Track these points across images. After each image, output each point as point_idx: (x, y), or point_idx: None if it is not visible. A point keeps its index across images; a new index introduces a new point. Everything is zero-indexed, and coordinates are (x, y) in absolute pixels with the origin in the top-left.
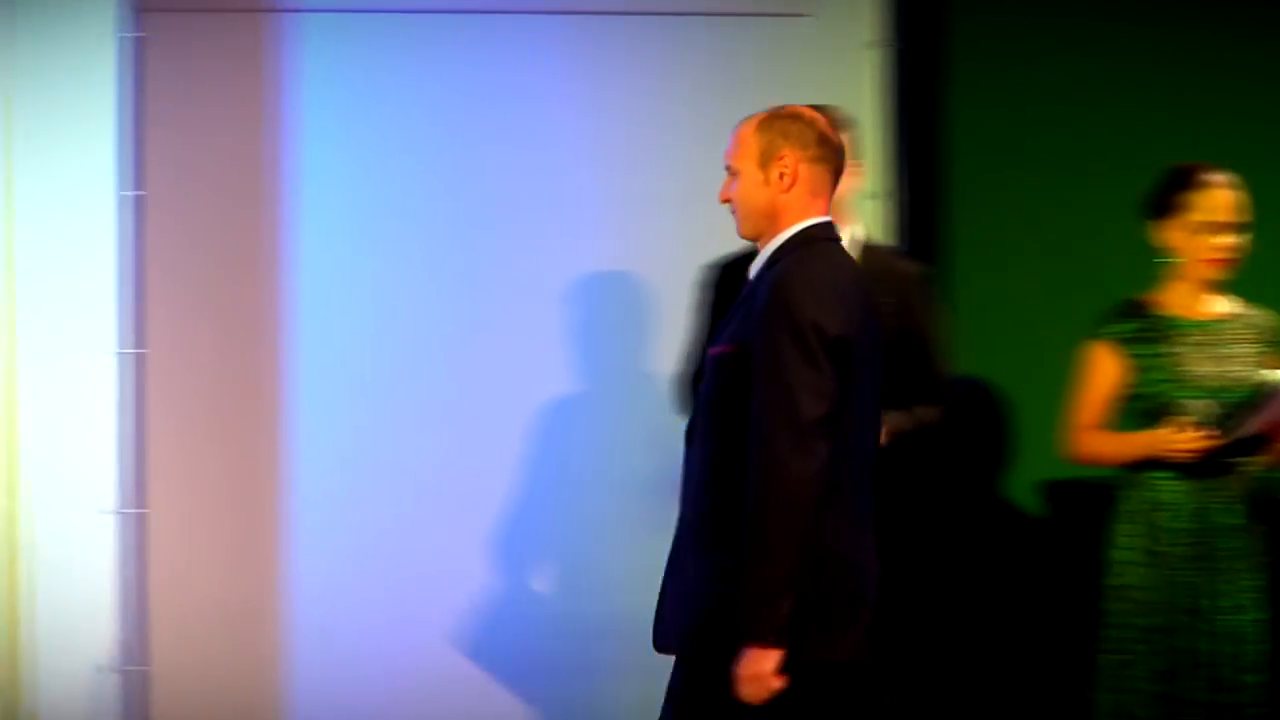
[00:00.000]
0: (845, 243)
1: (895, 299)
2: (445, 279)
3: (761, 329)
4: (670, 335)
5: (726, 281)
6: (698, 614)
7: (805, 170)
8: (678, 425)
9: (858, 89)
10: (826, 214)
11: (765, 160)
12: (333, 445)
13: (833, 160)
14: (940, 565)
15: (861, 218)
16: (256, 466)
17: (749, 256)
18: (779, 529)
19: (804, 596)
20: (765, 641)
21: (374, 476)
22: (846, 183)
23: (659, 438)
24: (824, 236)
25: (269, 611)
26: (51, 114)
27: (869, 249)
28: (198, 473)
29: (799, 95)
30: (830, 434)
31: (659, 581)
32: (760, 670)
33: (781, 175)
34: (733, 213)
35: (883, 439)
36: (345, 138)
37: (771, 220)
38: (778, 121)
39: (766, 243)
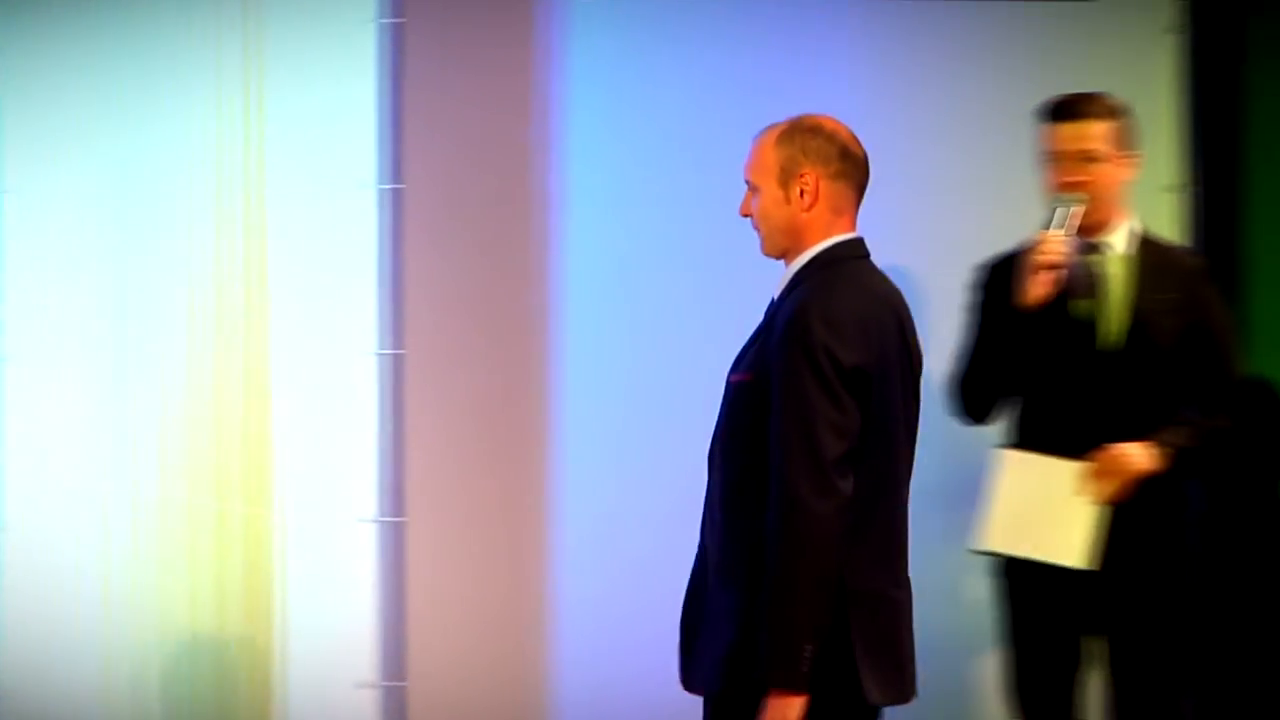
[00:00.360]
0: (1122, 237)
1: (1178, 295)
2: (720, 274)
3: (779, 359)
4: (950, 332)
5: (997, 282)
6: (723, 651)
7: (826, 187)
8: (956, 428)
9: (1152, 77)
10: (852, 230)
11: (785, 177)
12: (602, 450)
13: (855, 175)
14: (1235, 578)
15: (1139, 211)
16: (521, 472)
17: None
18: (800, 571)
19: (835, 639)
20: (788, 687)
21: (645, 482)
22: (1118, 174)
23: (946, 440)
24: (850, 255)
25: (534, 625)
26: (305, 105)
27: (1147, 243)
28: (459, 479)
29: (1092, 82)
30: (852, 470)
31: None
32: (784, 717)
33: (802, 193)
34: (755, 229)
35: (1160, 460)
36: (614, 125)
37: (794, 239)
38: (797, 136)
39: (791, 261)
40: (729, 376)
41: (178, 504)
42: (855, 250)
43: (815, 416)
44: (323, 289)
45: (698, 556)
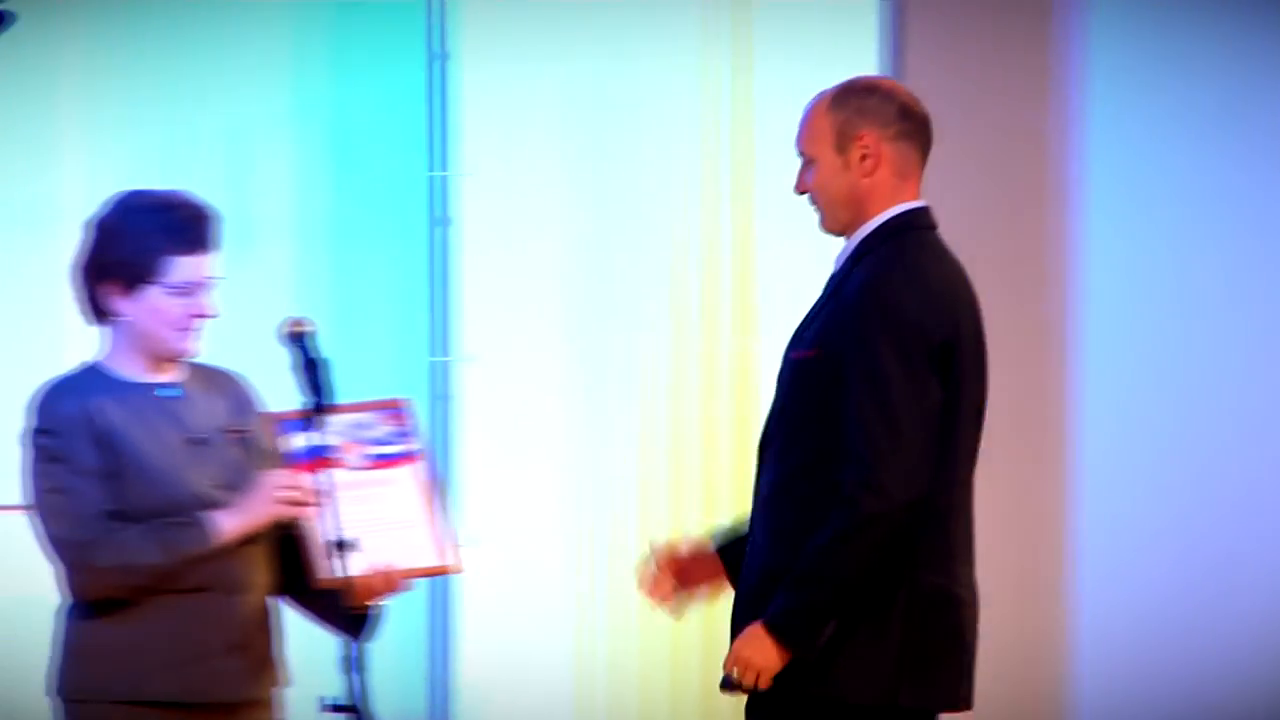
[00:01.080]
0: None
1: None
2: (1246, 271)
3: (856, 332)
4: None
5: None
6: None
7: (889, 150)
8: None
9: None
10: (918, 197)
11: (843, 142)
12: (1126, 463)
13: (919, 136)
14: None
15: None
16: (1040, 486)
17: None
18: (863, 553)
19: (900, 638)
20: (794, 648)
21: (1176, 495)
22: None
23: None
24: (920, 225)
25: (1056, 644)
26: (797, 81)
27: None
28: None
29: None
30: (932, 456)
31: None
32: (761, 662)
33: (863, 158)
34: (813, 205)
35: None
36: (1138, 113)
37: (857, 209)
38: (852, 97)
39: (853, 233)
40: (788, 353)
41: (659, 518)
42: (925, 220)
43: (899, 396)
44: (811, 278)
45: (747, 555)
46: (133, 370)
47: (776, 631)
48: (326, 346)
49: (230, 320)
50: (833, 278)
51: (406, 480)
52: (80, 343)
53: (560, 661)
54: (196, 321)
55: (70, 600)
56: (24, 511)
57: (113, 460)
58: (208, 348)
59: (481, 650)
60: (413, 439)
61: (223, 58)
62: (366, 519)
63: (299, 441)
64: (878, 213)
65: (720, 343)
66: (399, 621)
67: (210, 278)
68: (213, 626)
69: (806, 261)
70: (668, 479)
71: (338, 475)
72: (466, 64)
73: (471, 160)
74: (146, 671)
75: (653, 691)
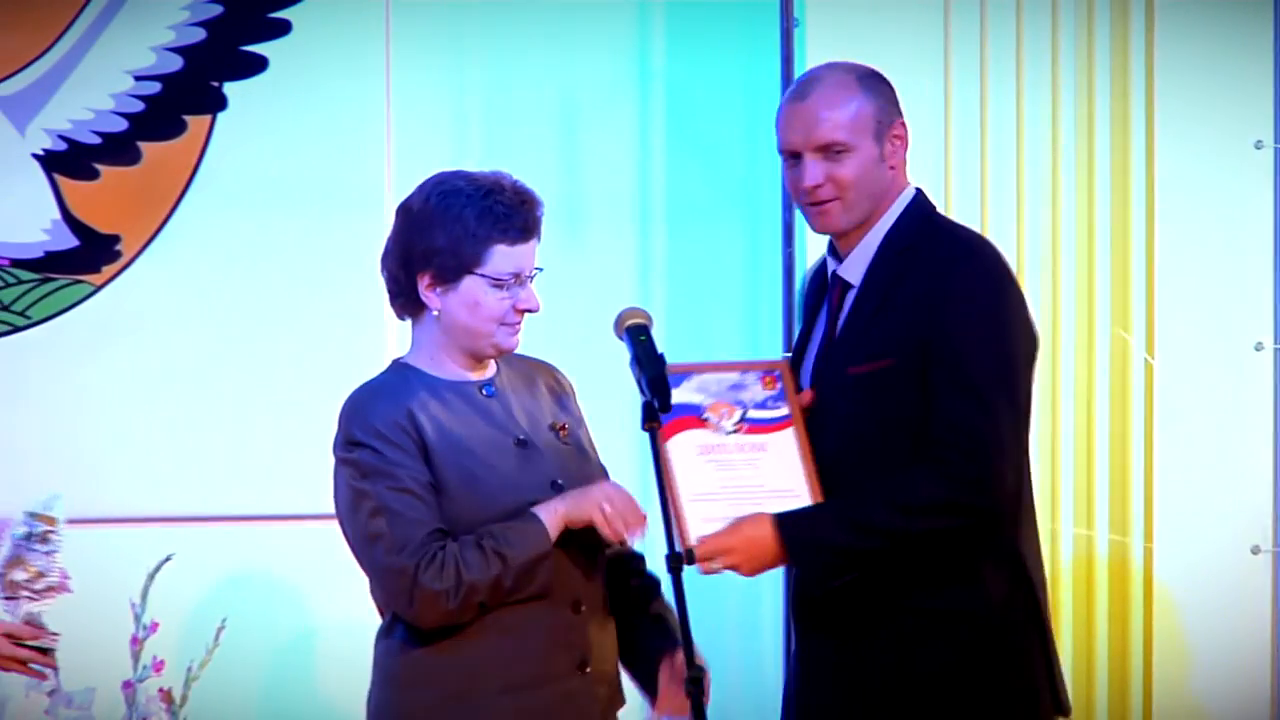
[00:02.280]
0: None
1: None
2: None
3: (965, 327)
4: None
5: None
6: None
7: (908, 137)
8: None
9: None
10: None
11: (881, 131)
12: None
13: None
14: None
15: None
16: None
17: None
18: (937, 539)
19: (1030, 633)
20: (808, 582)
21: None
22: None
23: None
24: (933, 208)
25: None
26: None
27: None
28: None
29: None
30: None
31: None
32: (751, 568)
33: (895, 147)
34: (826, 199)
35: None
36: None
37: (879, 201)
38: (880, 85)
39: (868, 227)
40: (848, 368)
41: None
42: (930, 203)
43: (1019, 392)
44: (1207, 268)
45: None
46: (449, 369)
47: (796, 555)
48: (664, 341)
49: (561, 312)
50: (871, 274)
51: (784, 447)
52: (399, 339)
53: None
54: (518, 315)
55: (389, 619)
56: (332, 527)
57: (442, 470)
58: (534, 342)
59: None
60: (787, 404)
61: (560, 32)
62: (737, 486)
63: (673, 398)
64: (893, 201)
65: (1096, 337)
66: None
67: (533, 268)
68: (557, 643)
69: (1200, 245)
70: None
71: (705, 438)
72: (813, 32)
73: None
74: (486, 698)
75: None
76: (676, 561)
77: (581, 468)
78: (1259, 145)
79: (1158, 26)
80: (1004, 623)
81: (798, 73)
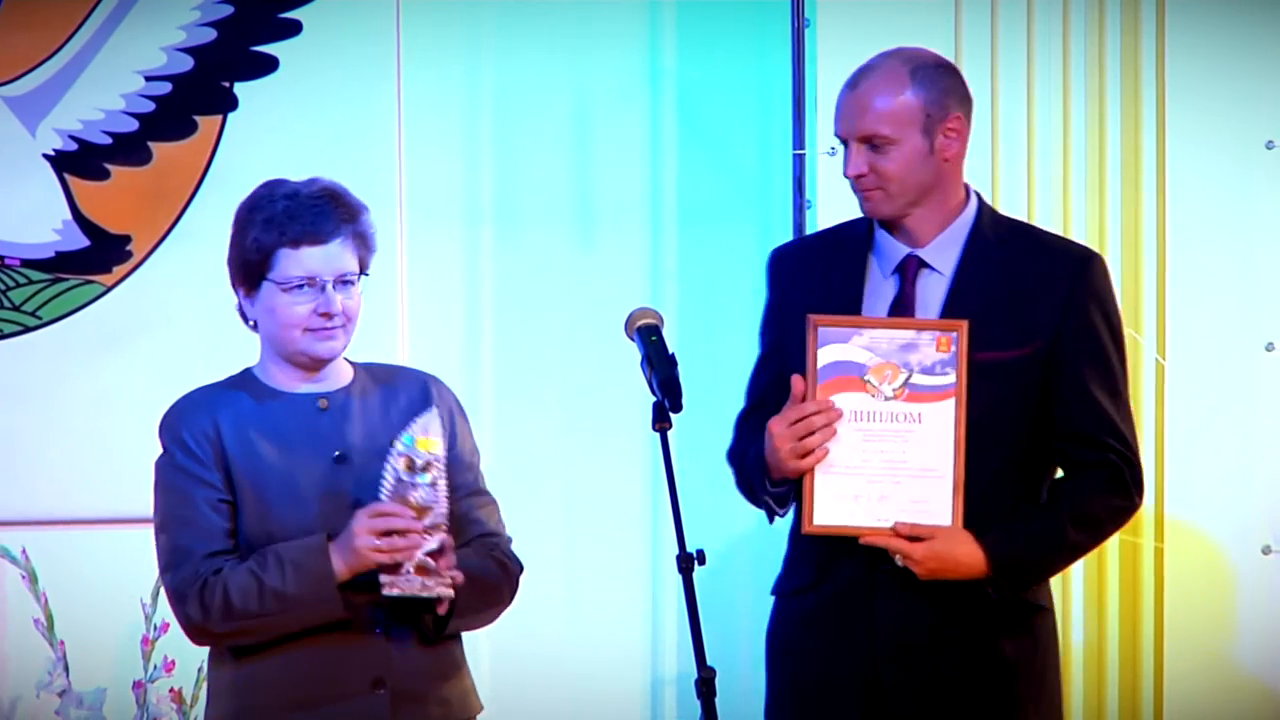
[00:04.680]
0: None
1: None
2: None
3: (1088, 324)
4: None
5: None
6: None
7: (967, 131)
8: None
9: None
10: None
11: (931, 125)
12: None
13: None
14: None
15: None
16: None
17: None
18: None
19: None
20: (1004, 579)
21: None
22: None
23: None
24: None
25: None
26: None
27: None
28: None
29: None
30: None
31: None
32: (957, 574)
33: (950, 140)
34: (869, 188)
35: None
36: None
37: (929, 193)
38: (936, 76)
39: (938, 217)
40: (976, 355)
41: None
42: None
43: (1127, 394)
44: (1218, 268)
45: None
46: (280, 379)
47: (1004, 578)
48: (675, 341)
49: (572, 312)
50: (980, 269)
51: (940, 420)
52: (410, 337)
53: None
54: (325, 319)
55: None
56: None
57: (239, 484)
58: (546, 342)
59: None
60: (955, 371)
61: (572, 32)
62: (879, 461)
63: (832, 354)
64: (957, 195)
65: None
66: None
67: (338, 272)
68: (352, 662)
69: (1211, 246)
70: None
71: (860, 402)
72: (823, 33)
73: (828, 138)
74: (274, 714)
75: None
76: (687, 562)
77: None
78: (1270, 145)
79: (1169, 26)
80: (1055, 619)
81: (809, 73)
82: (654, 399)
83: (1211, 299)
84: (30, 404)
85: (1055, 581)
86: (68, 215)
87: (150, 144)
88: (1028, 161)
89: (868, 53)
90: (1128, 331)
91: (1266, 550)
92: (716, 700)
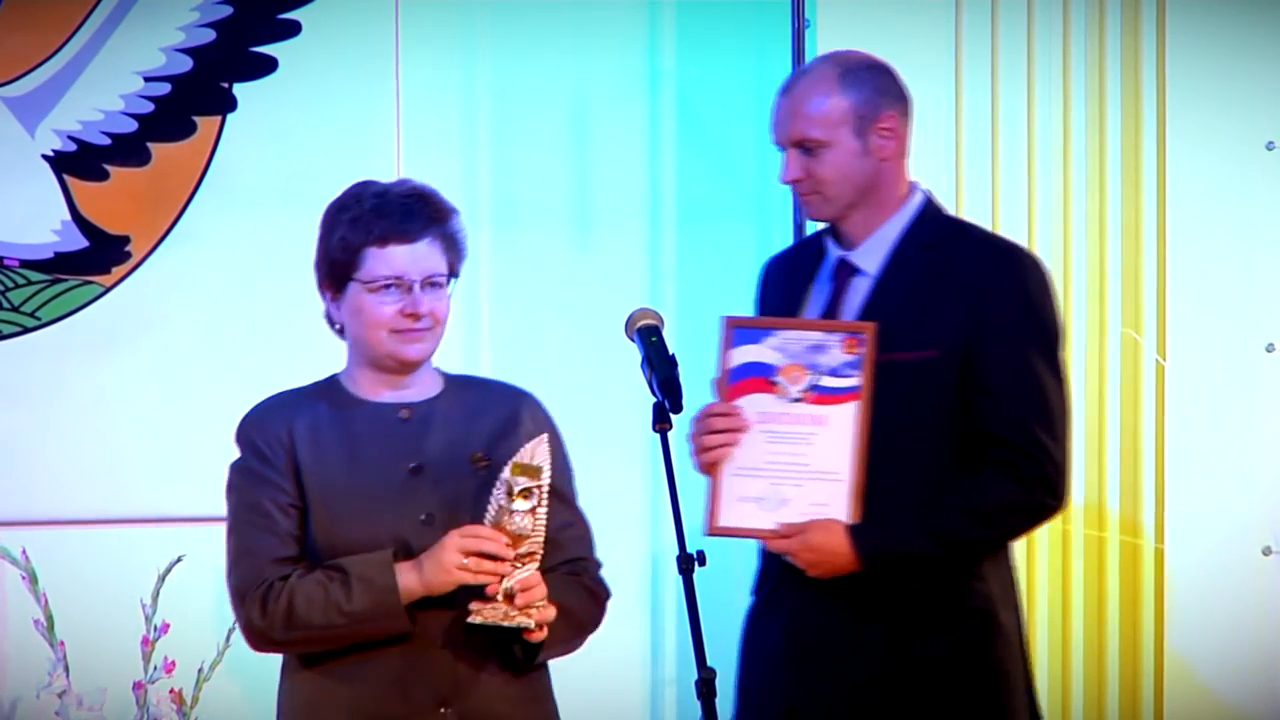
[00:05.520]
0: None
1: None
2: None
3: (1001, 331)
4: None
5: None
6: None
7: (904, 130)
8: None
9: None
10: None
11: (863, 125)
12: None
13: (912, 112)
14: None
15: None
16: None
17: None
18: (1008, 539)
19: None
20: (874, 567)
21: None
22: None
23: None
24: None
25: None
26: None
27: None
28: None
29: None
30: None
31: None
32: (823, 571)
33: (885, 140)
34: (807, 192)
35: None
36: None
37: (867, 194)
38: (866, 76)
39: (871, 221)
40: (882, 358)
41: (1046, 530)
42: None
43: (1065, 389)
44: (1218, 269)
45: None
46: (365, 386)
47: (872, 566)
48: (675, 342)
49: (572, 313)
50: (905, 270)
51: (843, 422)
52: None
53: None
54: (411, 321)
55: None
56: None
57: (309, 493)
58: (547, 343)
59: None
60: (861, 373)
61: (571, 33)
62: (783, 462)
63: (745, 355)
64: (894, 196)
65: (1107, 337)
66: None
67: (425, 273)
68: (415, 680)
69: (1211, 246)
70: None
71: (768, 404)
72: (823, 33)
73: None
74: None
75: None
76: (688, 563)
77: (477, 502)
78: (1270, 146)
79: (1169, 27)
80: (1000, 622)
81: None
82: (654, 400)
83: (1212, 300)
84: (30, 404)
85: (1056, 581)
86: (67, 216)
87: (149, 145)
88: (1028, 162)
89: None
90: (1128, 331)
91: (1266, 551)
92: (716, 700)
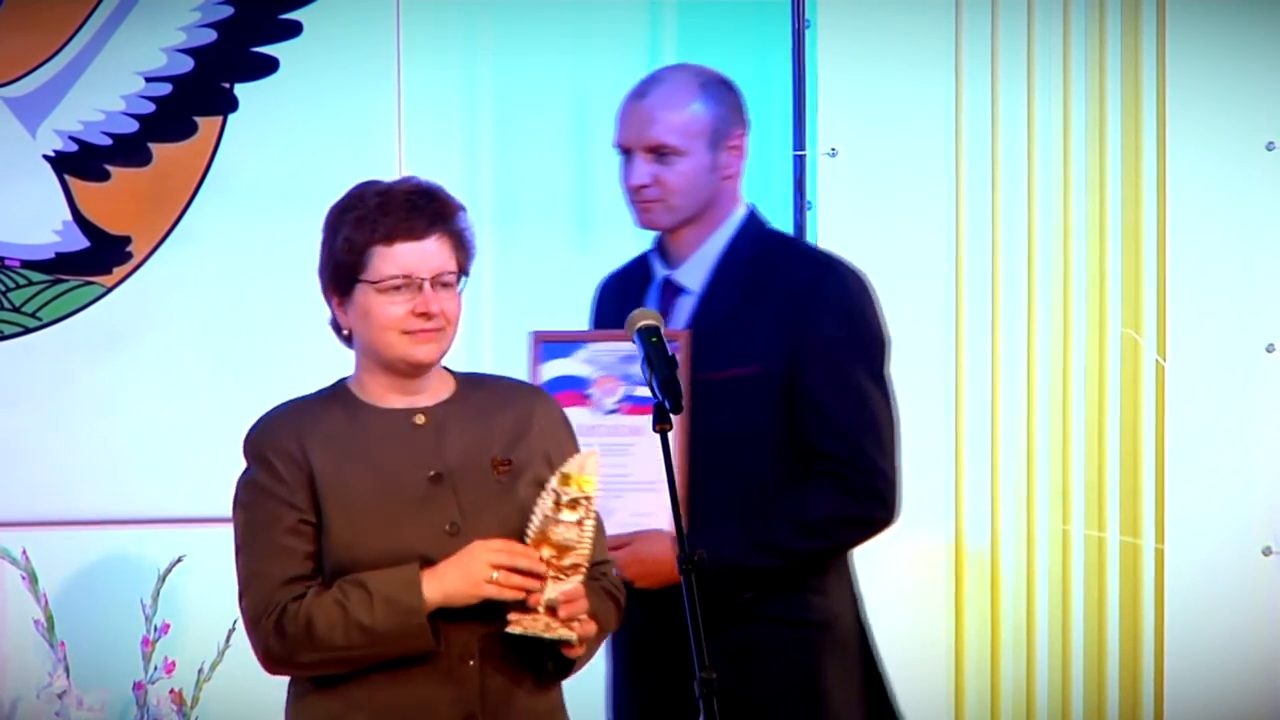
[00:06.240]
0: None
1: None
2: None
3: (823, 345)
4: None
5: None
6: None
7: (746, 148)
8: None
9: None
10: None
11: (717, 140)
12: None
13: None
14: None
15: None
16: None
17: None
18: (839, 553)
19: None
20: (714, 599)
21: None
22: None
23: None
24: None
25: None
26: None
27: None
28: None
29: None
30: None
31: None
32: (646, 583)
33: (733, 156)
34: (649, 199)
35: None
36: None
37: (707, 208)
38: (722, 92)
39: (692, 233)
40: (700, 374)
41: (1050, 526)
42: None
43: (891, 399)
44: (1218, 269)
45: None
46: (375, 391)
47: (703, 574)
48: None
49: (571, 313)
50: (727, 286)
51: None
52: None
53: (934, 688)
54: (422, 320)
55: None
56: None
57: (325, 505)
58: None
59: None
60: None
61: (572, 33)
62: (603, 474)
63: (556, 369)
64: (724, 214)
65: (1107, 338)
66: None
67: (434, 270)
68: (441, 695)
69: (1211, 247)
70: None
71: (583, 417)
72: (824, 34)
73: (828, 139)
74: None
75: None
76: (688, 564)
77: (500, 508)
78: (1270, 146)
79: (1169, 27)
80: (846, 634)
81: (810, 73)
82: (654, 400)
83: (1212, 300)
84: (30, 405)
85: (1056, 581)
86: (68, 216)
87: (150, 145)
88: (1028, 162)
89: (868, 53)
90: (1128, 331)
91: (1267, 551)
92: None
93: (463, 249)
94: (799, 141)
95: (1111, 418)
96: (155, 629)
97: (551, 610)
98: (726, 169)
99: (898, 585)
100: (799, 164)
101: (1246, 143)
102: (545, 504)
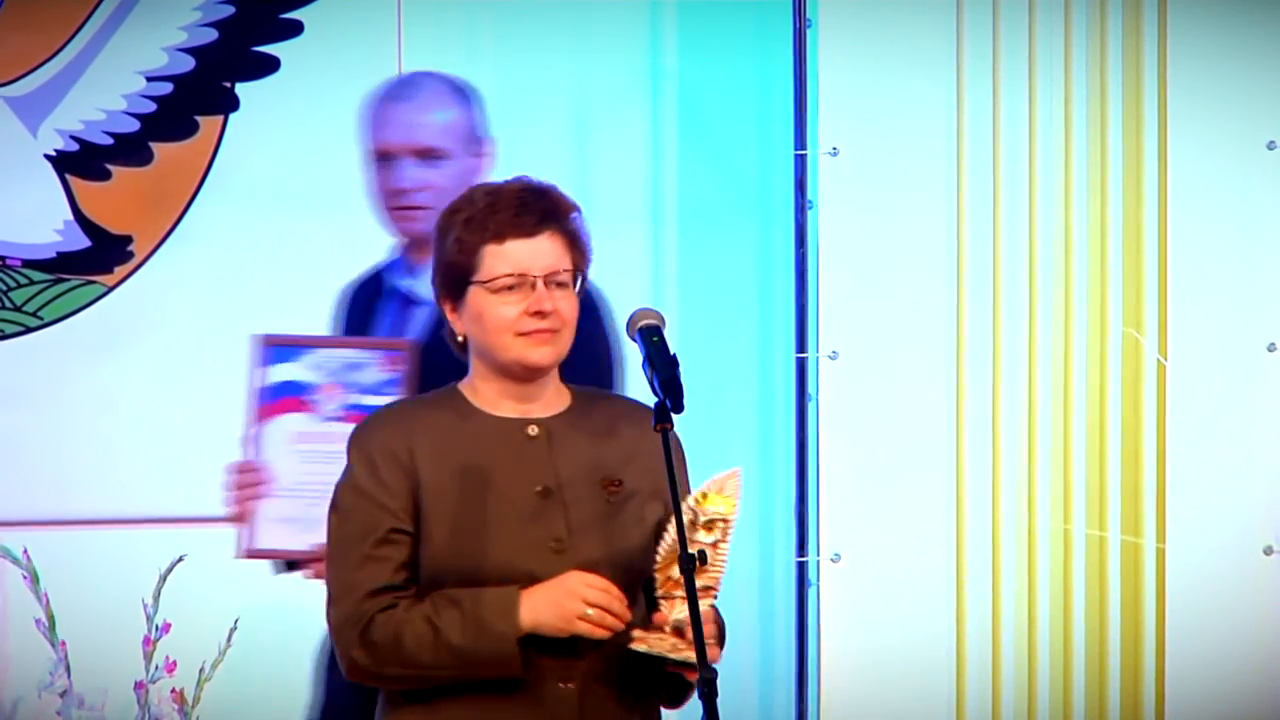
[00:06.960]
0: None
1: None
2: None
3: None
4: None
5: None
6: None
7: None
8: None
9: None
10: None
11: (473, 146)
12: None
13: None
14: None
15: None
16: None
17: None
18: None
19: None
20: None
21: None
22: None
23: None
24: None
25: None
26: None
27: None
28: None
29: None
30: None
31: None
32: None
33: (482, 166)
34: (426, 205)
35: None
36: None
37: None
38: (476, 98)
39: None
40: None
41: (1043, 525)
42: None
43: None
44: (1220, 268)
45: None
46: (493, 397)
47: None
48: (677, 342)
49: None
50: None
51: None
52: None
53: (935, 688)
54: (537, 320)
55: None
56: None
57: (429, 513)
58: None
59: (844, 675)
60: (400, 392)
61: (573, 33)
62: (319, 483)
63: (282, 373)
64: None
65: (1108, 337)
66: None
67: (549, 268)
68: (535, 716)
69: (1211, 248)
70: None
71: (302, 423)
72: (825, 33)
73: (830, 138)
74: None
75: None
76: (689, 563)
77: (607, 528)
78: (1271, 146)
79: (1170, 27)
80: None
81: (811, 73)
82: (655, 399)
83: (1212, 299)
84: (32, 404)
85: (1057, 580)
86: (69, 216)
87: (151, 144)
88: (1029, 162)
89: (869, 53)
90: (1128, 331)
91: (1267, 550)
92: (718, 700)
93: (577, 248)
94: (800, 141)
95: (1113, 417)
96: (156, 628)
97: (679, 632)
98: (473, 175)
99: (898, 585)
100: (800, 163)
101: (1247, 142)
102: (681, 522)
